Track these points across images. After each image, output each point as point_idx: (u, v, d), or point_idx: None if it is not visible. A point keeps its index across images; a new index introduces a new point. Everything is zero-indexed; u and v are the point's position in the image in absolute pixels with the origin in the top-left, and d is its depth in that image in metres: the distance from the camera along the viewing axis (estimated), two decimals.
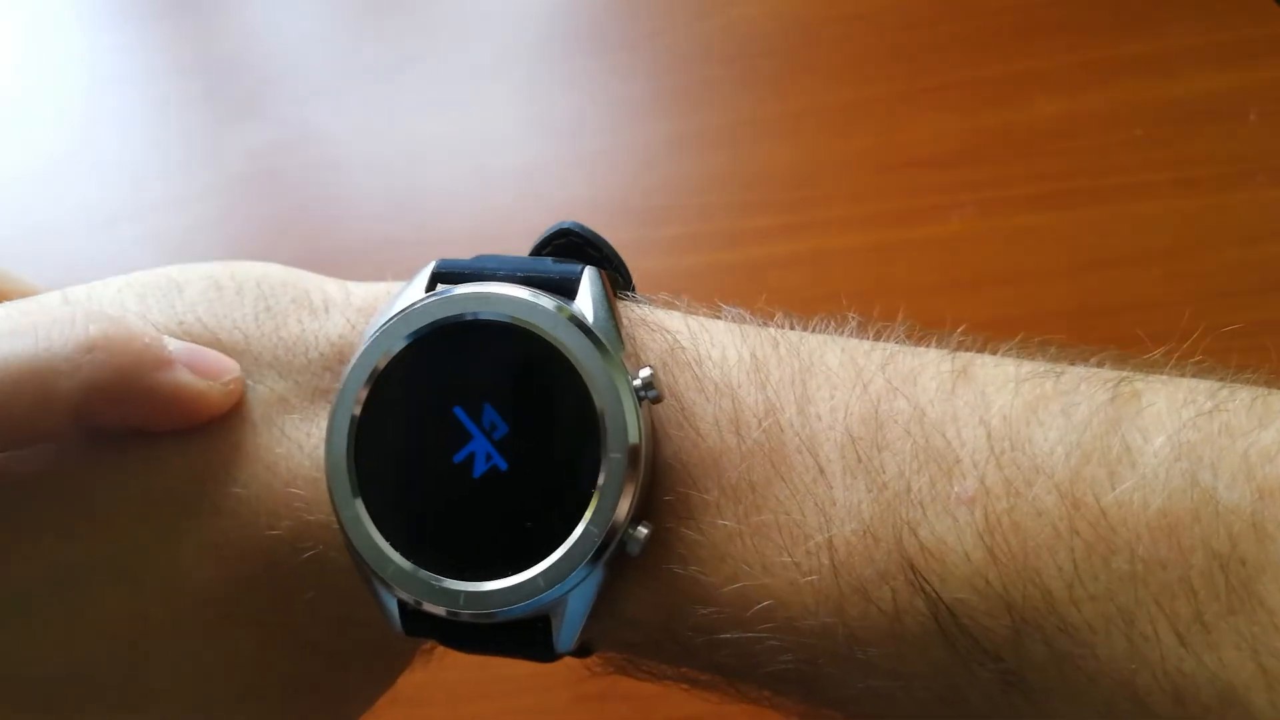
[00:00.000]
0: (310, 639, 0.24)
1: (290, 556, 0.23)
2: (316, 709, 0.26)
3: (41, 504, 0.22)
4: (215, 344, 0.24)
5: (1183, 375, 0.22)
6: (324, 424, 0.23)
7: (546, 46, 0.63)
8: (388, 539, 0.21)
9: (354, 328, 0.24)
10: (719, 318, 0.25)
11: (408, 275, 0.25)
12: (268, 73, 0.65)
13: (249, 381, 0.24)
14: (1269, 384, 0.21)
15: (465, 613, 0.21)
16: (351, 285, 0.26)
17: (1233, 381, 0.21)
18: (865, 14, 0.59)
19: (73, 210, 0.59)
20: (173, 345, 0.22)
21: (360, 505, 0.22)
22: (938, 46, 0.57)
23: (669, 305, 0.25)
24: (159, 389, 0.21)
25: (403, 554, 0.21)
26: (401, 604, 0.22)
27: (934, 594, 0.20)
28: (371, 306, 0.25)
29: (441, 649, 0.25)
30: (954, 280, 0.49)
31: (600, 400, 0.21)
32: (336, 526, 0.22)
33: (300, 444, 0.23)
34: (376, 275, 0.55)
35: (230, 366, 0.23)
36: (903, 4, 0.59)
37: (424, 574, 0.21)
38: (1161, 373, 0.22)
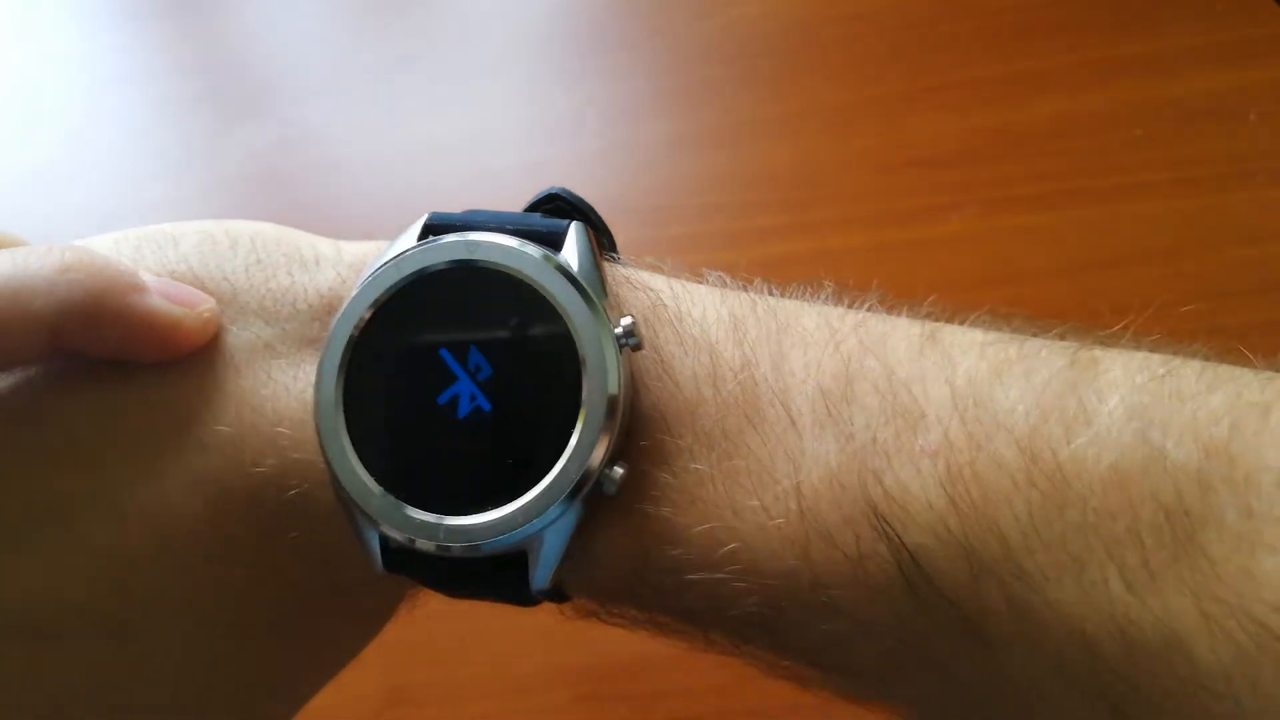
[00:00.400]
0: (294, 578, 0.24)
1: (275, 494, 0.23)
2: (300, 651, 0.26)
3: (28, 435, 0.23)
4: (205, 293, 0.24)
5: (1139, 348, 0.23)
6: (311, 370, 0.24)
7: (546, 46, 0.63)
8: (372, 474, 0.22)
9: (344, 281, 0.25)
10: (701, 281, 0.26)
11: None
12: (268, 73, 0.65)
13: (233, 327, 0.24)
14: (1220, 356, 0.22)
15: (446, 545, 0.22)
16: (344, 243, 0.27)
17: (1186, 354, 0.22)
18: (865, 14, 0.59)
19: (73, 210, 0.59)
20: (147, 276, 0.23)
21: (346, 440, 0.22)
22: (938, 46, 0.57)
23: (653, 267, 0.26)
24: (133, 312, 0.22)
25: (386, 489, 0.22)
26: (383, 541, 0.22)
27: (896, 538, 0.21)
28: (362, 262, 0.26)
29: (424, 599, 0.26)
30: (954, 280, 0.49)
31: (582, 345, 0.22)
32: (322, 465, 0.22)
33: (287, 387, 0.24)
34: None
35: (204, 298, 0.24)
36: (903, 4, 0.59)
37: (406, 508, 0.22)
38: (1119, 344, 0.23)
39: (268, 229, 0.26)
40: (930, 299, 0.25)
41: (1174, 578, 0.19)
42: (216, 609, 0.24)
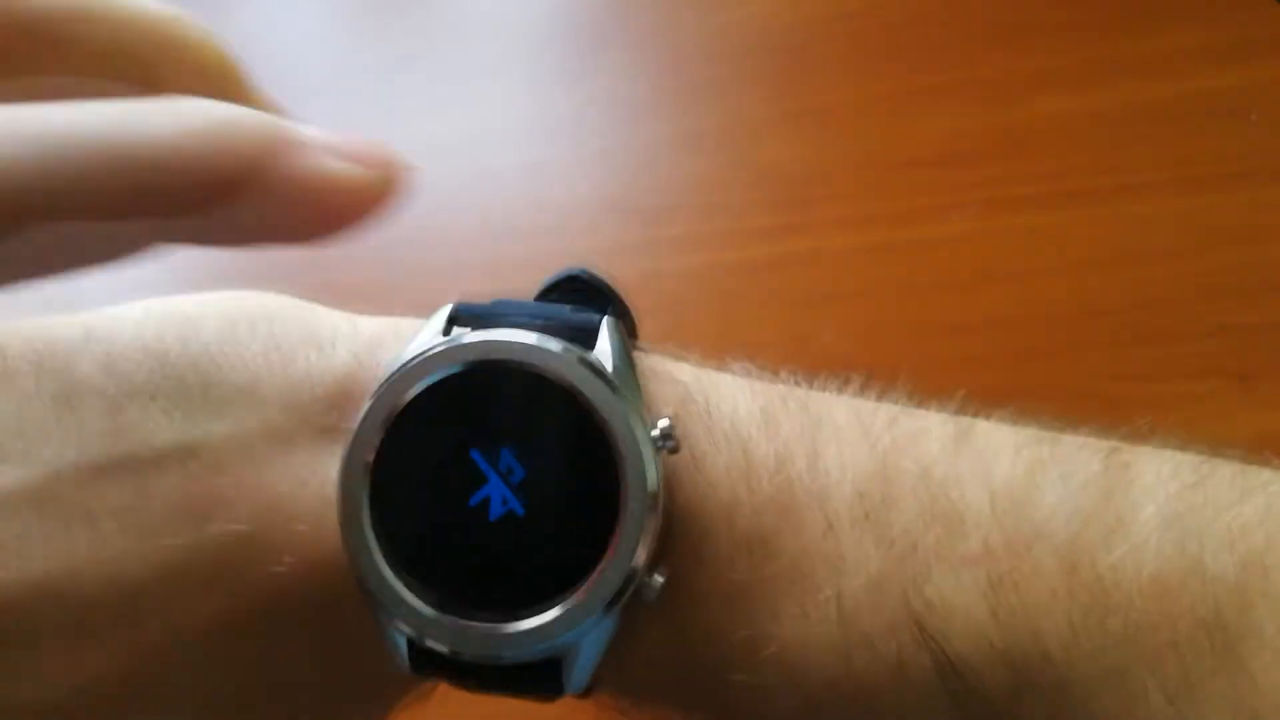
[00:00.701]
0: (308, 679, 0.24)
1: (293, 594, 0.22)
2: None
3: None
4: (226, 384, 0.23)
5: (1166, 447, 0.23)
6: (329, 463, 0.23)
7: (546, 46, 0.63)
8: (399, 578, 0.21)
9: (360, 363, 0.24)
10: (727, 371, 0.25)
11: (419, 309, 0.25)
12: (267, 73, 0.65)
13: (253, 420, 0.23)
14: (1244, 460, 0.22)
15: (478, 654, 0.21)
16: (359, 319, 0.26)
17: (1213, 457, 0.22)
18: (865, 13, 0.59)
19: None
20: (307, 128, 0.18)
21: (373, 541, 0.21)
22: (938, 46, 0.57)
23: (678, 356, 0.26)
24: (292, 174, 0.18)
25: (415, 594, 0.21)
26: (410, 643, 0.22)
27: (939, 649, 0.21)
28: (379, 340, 0.25)
29: (441, 688, 0.25)
30: (954, 280, 0.49)
31: (620, 448, 0.21)
32: (344, 565, 0.22)
33: (305, 481, 0.23)
34: (375, 275, 0.55)
35: (386, 152, 0.19)
36: (903, 3, 0.59)
37: (437, 614, 0.21)
38: (1147, 443, 0.23)
39: (287, 307, 0.25)
40: (960, 394, 0.25)
41: (1214, 691, 0.19)
42: (226, 707, 0.23)
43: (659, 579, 0.21)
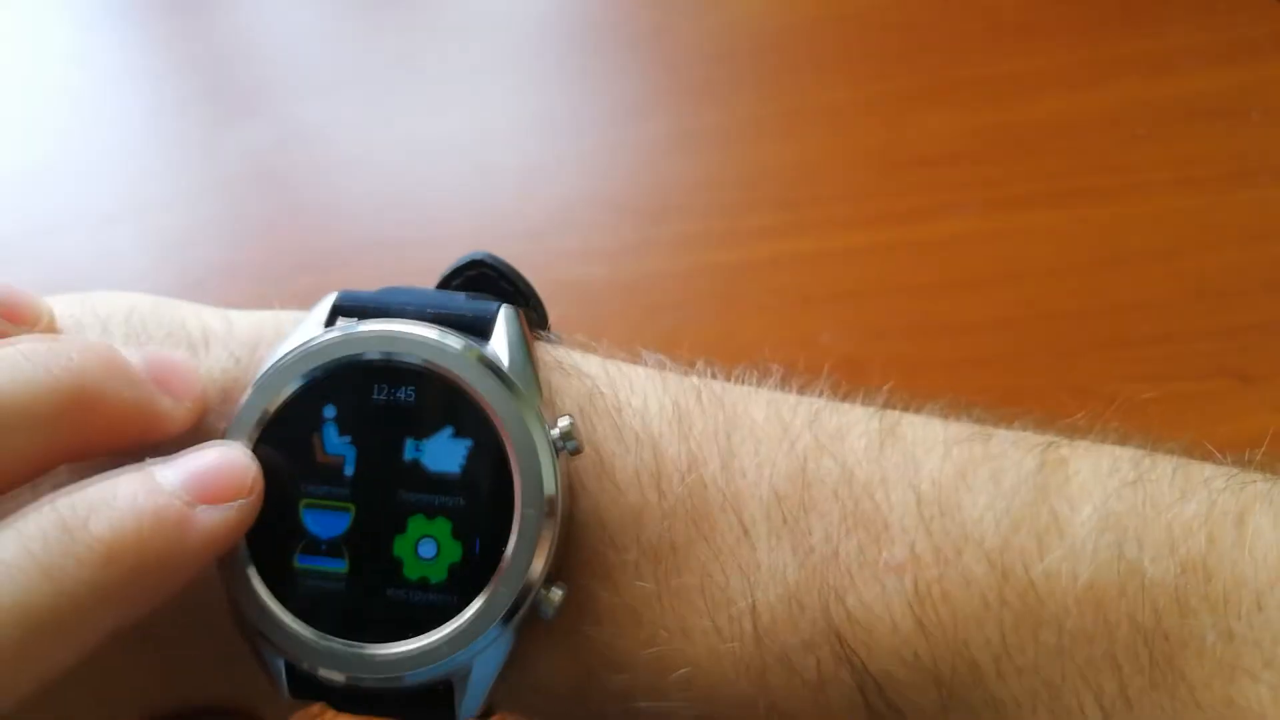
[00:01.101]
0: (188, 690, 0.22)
1: (171, 613, 0.21)
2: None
3: None
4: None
5: (1105, 441, 0.22)
6: None
7: (546, 46, 0.63)
8: (278, 598, 0.20)
9: (239, 362, 0.22)
10: (639, 363, 0.24)
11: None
12: (266, 72, 0.65)
13: None
14: (1187, 452, 0.21)
15: (362, 678, 0.20)
16: (234, 314, 0.24)
17: (1153, 449, 0.21)
18: (866, 13, 0.59)
19: (69, 210, 0.58)
20: (173, 485, 0.19)
21: (248, 563, 0.20)
22: (938, 46, 0.57)
23: (587, 348, 0.24)
24: (192, 552, 0.19)
25: (294, 614, 0.20)
26: (289, 667, 0.20)
27: (860, 665, 0.20)
28: (257, 338, 0.23)
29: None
30: (954, 280, 0.49)
31: (514, 451, 0.20)
32: (218, 586, 0.20)
33: None
34: (375, 275, 0.55)
35: (245, 472, 0.20)
36: (903, 3, 0.59)
37: (315, 637, 0.20)
38: (1085, 438, 0.22)
39: (144, 303, 0.23)
40: (887, 386, 0.23)
41: (1153, 705, 0.18)
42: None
43: (558, 593, 0.20)
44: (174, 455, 0.20)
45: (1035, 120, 0.53)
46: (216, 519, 0.19)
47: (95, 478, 0.18)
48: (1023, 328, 0.47)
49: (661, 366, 0.23)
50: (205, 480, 0.19)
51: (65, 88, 0.65)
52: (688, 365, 0.24)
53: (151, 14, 0.69)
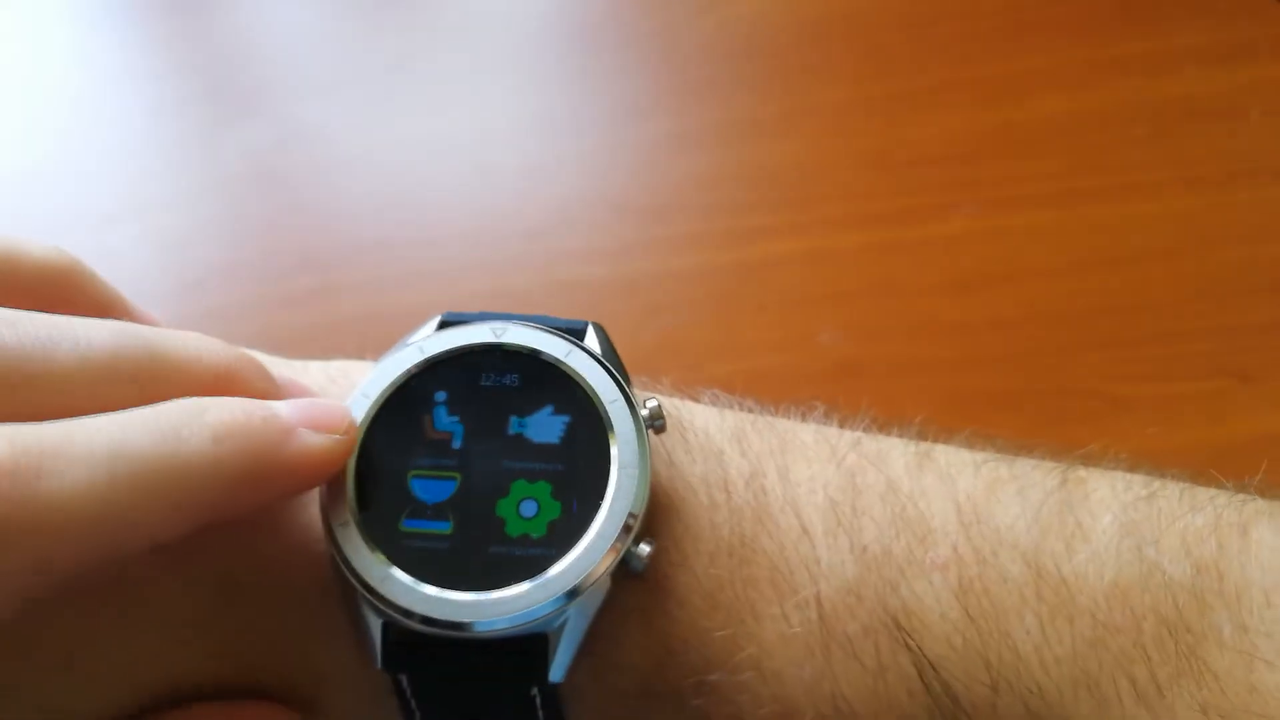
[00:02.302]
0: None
1: (256, 582, 0.22)
2: None
3: None
4: None
5: (1116, 469, 0.24)
6: None
7: (546, 46, 0.63)
8: (384, 555, 0.21)
9: (334, 381, 0.25)
10: (697, 400, 0.26)
11: (418, 308, 0.25)
12: (266, 72, 0.65)
13: None
14: (1192, 479, 0.23)
15: (464, 623, 0.20)
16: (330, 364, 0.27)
17: (1160, 474, 0.24)
18: (865, 13, 0.59)
19: (69, 210, 0.58)
20: (283, 410, 0.21)
21: (355, 518, 0.21)
22: (938, 46, 0.57)
23: (650, 386, 0.27)
24: (289, 464, 0.20)
25: (400, 568, 0.21)
26: (385, 630, 0.21)
27: (917, 649, 0.21)
28: (352, 368, 0.26)
29: None
30: (954, 280, 0.49)
31: (611, 418, 0.22)
32: (326, 545, 0.21)
33: None
34: (375, 275, 0.55)
35: (344, 412, 0.22)
36: (903, 3, 0.59)
37: (424, 586, 0.21)
38: (1098, 465, 0.24)
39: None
40: (919, 419, 0.26)
41: (1182, 692, 0.20)
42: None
43: (645, 549, 0.21)
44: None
45: (1035, 120, 0.53)
46: (314, 442, 0.21)
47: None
48: (1022, 328, 0.47)
49: (716, 401, 0.26)
50: (308, 411, 0.21)
51: (65, 88, 0.65)
52: (739, 400, 0.26)
53: (151, 14, 0.69)
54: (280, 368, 0.25)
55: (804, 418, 0.26)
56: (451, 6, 0.66)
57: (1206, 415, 0.43)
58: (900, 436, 0.25)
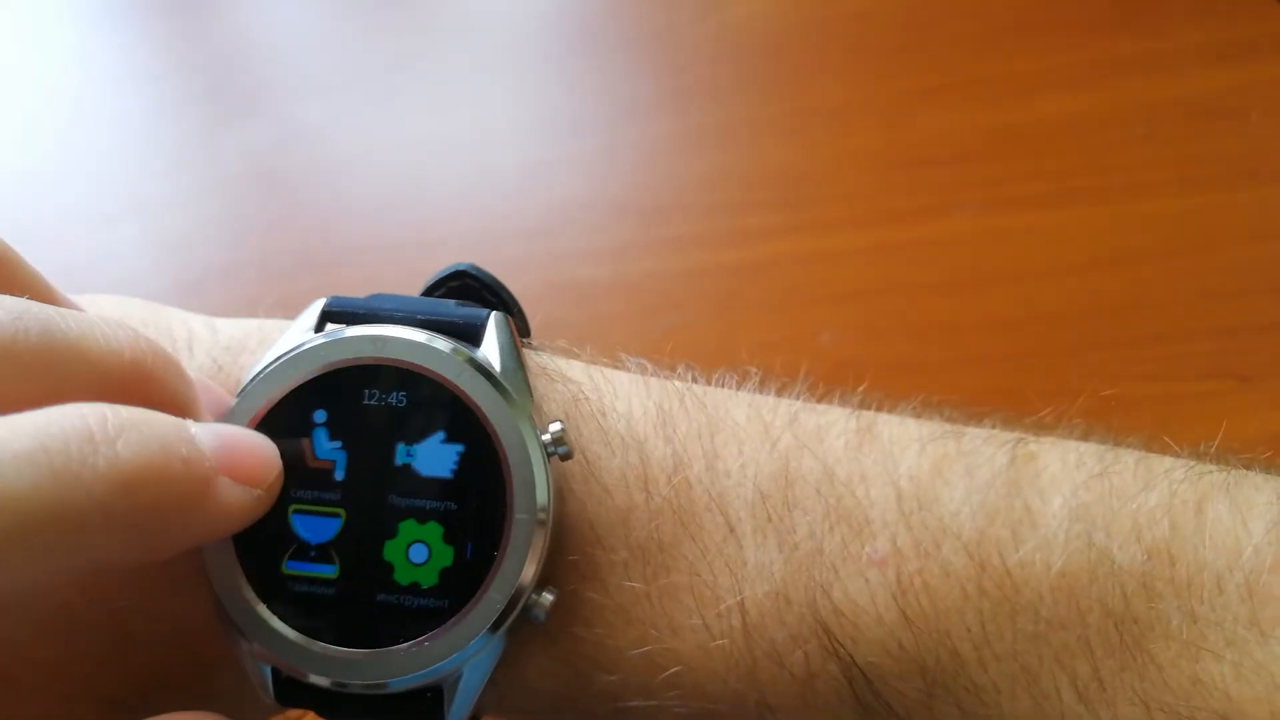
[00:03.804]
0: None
1: (144, 626, 0.21)
2: None
3: None
4: None
5: (1070, 437, 0.23)
6: None
7: (546, 46, 0.63)
8: (265, 601, 0.20)
9: (221, 369, 0.22)
10: (622, 368, 0.24)
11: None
12: (266, 72, 0.65)
13: None
14: (1147, 446, 0.22)
15: (351, 683, 0.20)
16: (219, 321, 0.24)
17: (1115, 444, 0.22)
18: (866, 13, 0.59)
19: (69, 210, 0.58)
20: (206, 446, 0.18)
21: (235, 564, 0.20)
22: (938, 46, 0.57)
23: (569, 354, 0.24)
24: (203, 521, 0.18)
25: (282, 619, 0.20)
26: (275, 672, 0.20)
27: (848, 657, 0.20)
28: (240, 344, 0.23)
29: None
30: (954, 280, 0.49)
31: (506, 456, 0.20)
32: (204, 592, 0.20)
33: None
34: (375, 275, 0.55)
35: (272, 464, 0.20)
36: (903, 3, 0.59)
37: (305, 641, 0.20)
38: (1052, 434, 0.23)
39: (135, 309, 0.23)
40: (861, 387, 0.24)
41: (1124, 686, 0.19)
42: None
43: (548, 598, 0.20)
44: (210, 423, 0.19)
45: (1035, 120, 0.53)
46: (235, 496, 0.18)
47: (135, 408, 0.17)
48: (1022, 328, 0.47)
49: (644, 371, 0.24)
50: (237, 457, 0.19)
51: (65, 88, 0.65)
52: (669, 369, 0.24)
53: (152, 14, 0.69)
54: (155, 320, 0.23)
55: (738, 386, 0.24)
56: (451, 6, 0.66)
57: (1206, 415, 0.43)
58: (842, 405, 0.23)
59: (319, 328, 0.22)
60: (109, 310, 0.23)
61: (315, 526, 0.20)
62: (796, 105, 0.56)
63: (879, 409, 0.23)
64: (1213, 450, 0.22)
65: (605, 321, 0.49)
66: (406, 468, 0.20)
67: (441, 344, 0.21)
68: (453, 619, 0.20)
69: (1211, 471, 0.21)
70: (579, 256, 0.52)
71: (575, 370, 0.23)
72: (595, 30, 0.63)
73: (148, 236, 0.57)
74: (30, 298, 0.18)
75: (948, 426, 0.23)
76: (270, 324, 0.24)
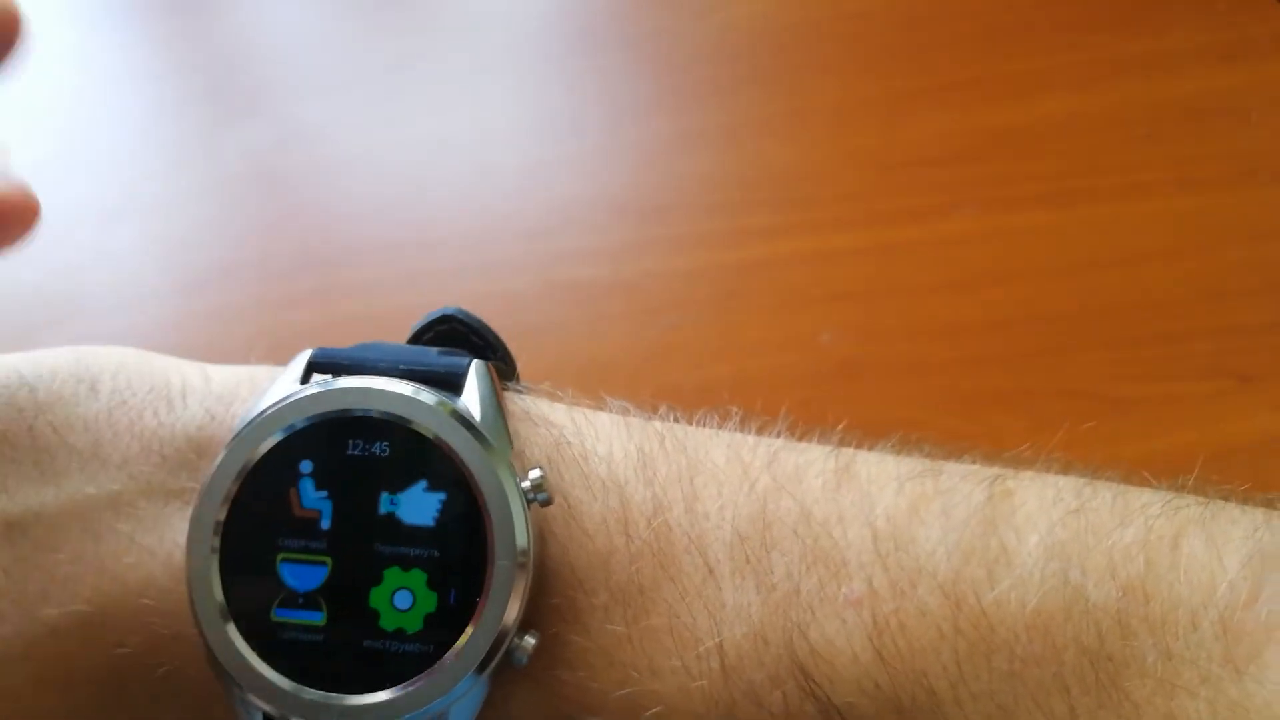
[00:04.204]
0: None
1: (143, 675, 0.21)
2: None
3: None
4: (64, 448, 0.22)
5: (1049, 472, 0.23)
6: (179, 528, 0.22)
7: (546, 46, 0.63)
8: (256, 650, 0.20)
9: (213, 418, 0.23)
10: (603, 410, 0.25)
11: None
12: (266, 72, 0.65)
13: (91, 487, 0.22)
14: (1126, 479, 0.22)
15: None
16: (211, 369, 0.25)
17: (1094, 477, 0.22)
18: (866, 13, 0.59)
19: (69, 210, 0.58)
20: None
21: (225, 615, 0.20)
22: (938, 46, 0.57)
23: (553, 397, 0.25)
24: None
25: (272, 666, 0.20)
26: (268, 717, 0.21)
27: (825, 698, 0.20)
28: (232, 394, 0.24)
29: None
30: (954, 280, 0.49)
31: (487, 504, 0.21)
32: (196, 639, 0.21)
33: (152, 551, 0.22)
34: (375, 275, 0.55)
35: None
36: (903, 3, 0.59)
37: (295, 688, 0.20)
38: (1031, 469, 0.23)
39: (130, 359, 0.24)
40: (840, 425, 0.24)
41: None
42: None
43: (531, 641, 0.20)
44: None
45: (1035, 120, 0.53)
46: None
47: None
48: (1022, 328, 0.47)
49: (625, 412, 0.24)
50: None
51: (65, 88, 0.65)
52: (650, 410, 0.24)
53: (152, 14, 0.69)
54: (150, 370, 0.24)
55: (719, 426, 0.24)
56: (451, 6, 0.66)
57: (1206, 415, 0.43)
58: (821, 444, 0.24)
59: (305, 378, 0.22)
60: (106, 361, 0.24)
61: (303, 574, 0.21)
62: (796, 105, 0.56)
63: (859, 445, 0.24)
64: (1190, 482, 0.22)
65: (605, 321, 0.49)
66: (390, 516, 0.21)
67: (426, 396, 0.21)
68: (438, 663, 0.20)
69: (1188, 505, 0.21)
70: (579, 256, 0.52)
71: (558, 413, 0.24)
72: (595, 30, 0.63)
73: (148, 236, 0.57)
74: None
75: (927, 463, 0.23)
76: (261, 372, 0.24)
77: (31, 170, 0.64)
